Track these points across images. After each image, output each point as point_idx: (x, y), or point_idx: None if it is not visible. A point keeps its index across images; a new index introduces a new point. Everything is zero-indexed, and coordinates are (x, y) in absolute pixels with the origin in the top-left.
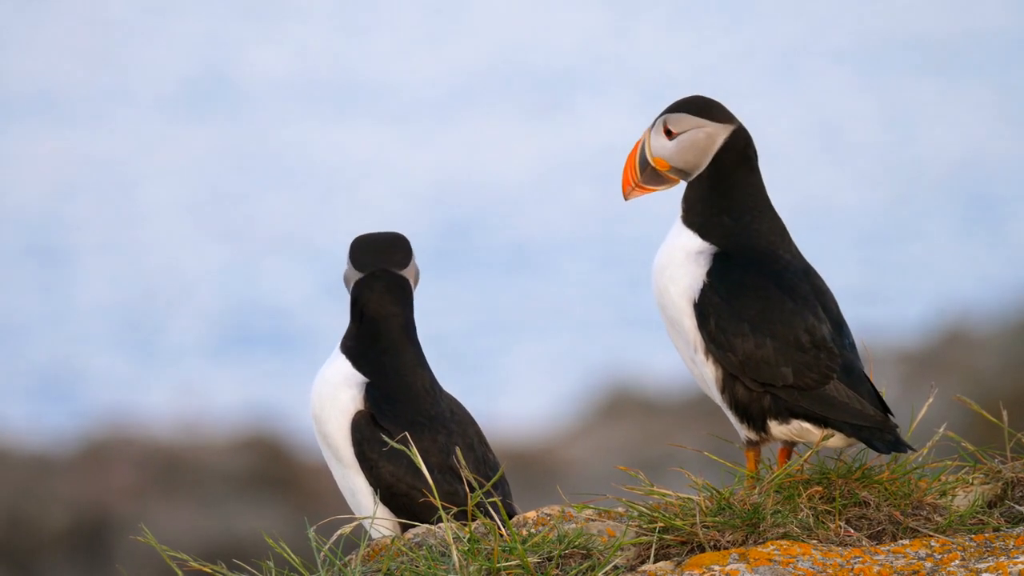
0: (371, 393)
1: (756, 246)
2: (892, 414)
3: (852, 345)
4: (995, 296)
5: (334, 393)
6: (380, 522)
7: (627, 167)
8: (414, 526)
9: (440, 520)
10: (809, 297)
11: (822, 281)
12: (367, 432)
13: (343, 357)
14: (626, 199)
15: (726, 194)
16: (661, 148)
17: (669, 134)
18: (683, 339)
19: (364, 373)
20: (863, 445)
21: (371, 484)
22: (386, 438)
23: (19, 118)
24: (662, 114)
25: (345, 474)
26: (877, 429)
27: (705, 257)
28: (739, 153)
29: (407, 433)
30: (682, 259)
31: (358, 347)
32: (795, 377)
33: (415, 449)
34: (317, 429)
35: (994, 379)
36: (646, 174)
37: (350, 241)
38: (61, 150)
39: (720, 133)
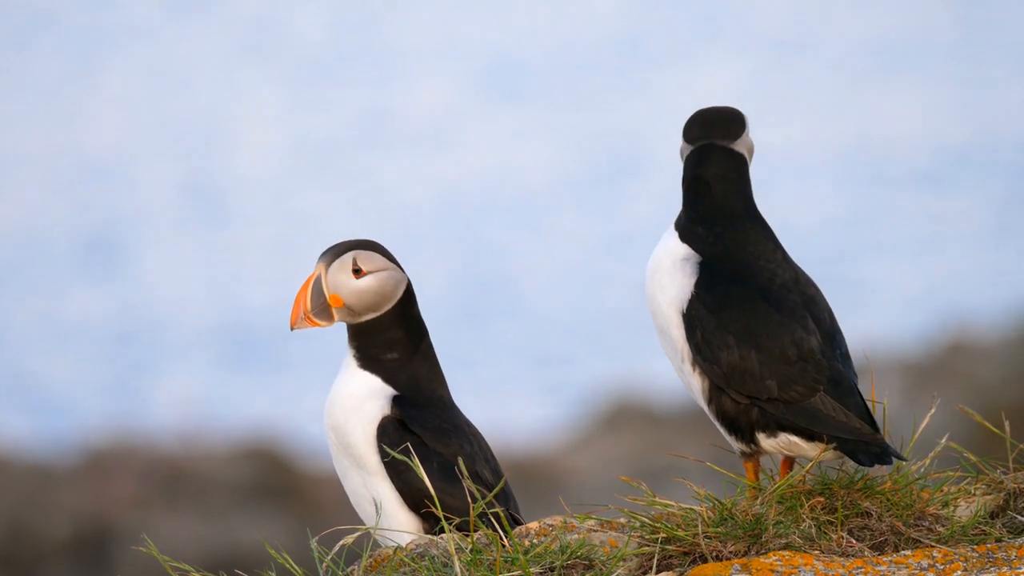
0: (399, 402)
1: (735, 256)
2: (878, 427)
3: (845, 355)
4: (997, 306)
5: (359, 405)
6: (405, 527)
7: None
8: (440, 532)
9: (472, 528)
10: (798, 309)
11: (815, 290)
12: (395, 437)
13: (366, 372)
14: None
15: (694, 205)
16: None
17: None
18: (671, 347)
19: (395, 386)
20: None
21: (398, 488)
22: (387, 448)
23: None
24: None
25: (368, 482)
26: (862, 442)
27: (691, 265)
28: (723, 171)
29: (437, 438)
30: (669, 266)
31: (399, 358)
32: (780, 390)
33: (417, 461)
34: (337, 440)
35: (996, 389)
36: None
37: (363, 241)
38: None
39: (684, 150)
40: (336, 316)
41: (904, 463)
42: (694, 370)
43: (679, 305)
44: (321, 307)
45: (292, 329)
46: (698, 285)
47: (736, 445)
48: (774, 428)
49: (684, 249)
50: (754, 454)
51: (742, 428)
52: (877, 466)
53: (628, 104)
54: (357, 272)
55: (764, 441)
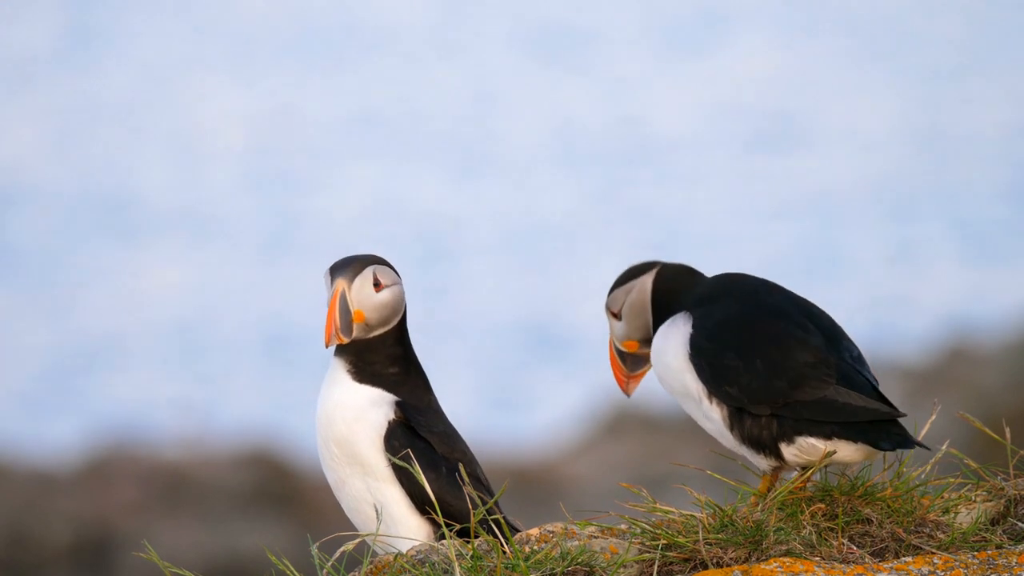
0: (403, 407)
1: (729, 300)
2: (903, 413)
3: (858, 358)
4: (998, 313)
5: (362, 414)
6: (415, 531)
7: (615, 370)
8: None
9: (476, 534)
10: (793, 314)
11: (810, 303)
12: (404, 440)
13: (365, 385)
14: (629, 395)
15: (668, 306)
16: (620, 331)
17: (616, 316)
18: (691, 399)
19: (397, 395)
20: (866, 463)
21: (407, 492)
22: (389, 455)
23: None
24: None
25: (375, 488)
26: (884, 423)
27: (683, 318)
28: (671, 279)
29: (443, 441)
30: (666, 331)
31: (398, 372)
32: (793, 389)
33: (418, 467)
34: (341, 452)
35: (997, 396)
36: (628, 364)
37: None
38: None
39: (647, 281)
40: (355, 332)
41: (905, 470)
42: (712, 403)
43: (684, 352)
44: (348, 323)
45: (327, 346)
46: (695, 327)
47: (764, 464)
48: (791, 435)
49: (678, 316)
50: (780, 468)
51: (766, 443)
52: (878, 471)
53: None
54: (376, 286)
55: (785, 451)
